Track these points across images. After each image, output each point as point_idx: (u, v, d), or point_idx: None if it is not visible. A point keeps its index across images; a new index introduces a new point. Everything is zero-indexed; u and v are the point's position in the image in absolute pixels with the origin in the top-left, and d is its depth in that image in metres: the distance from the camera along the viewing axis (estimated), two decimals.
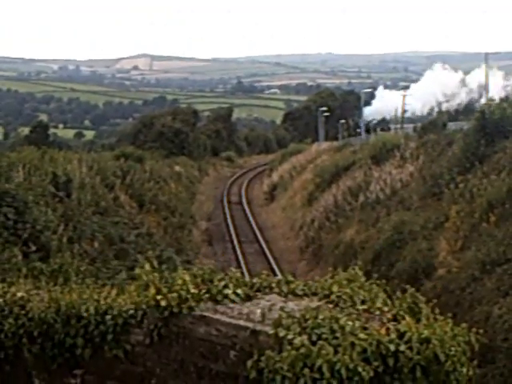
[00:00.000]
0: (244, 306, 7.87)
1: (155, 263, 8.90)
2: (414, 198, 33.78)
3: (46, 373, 8.84)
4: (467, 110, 75.99)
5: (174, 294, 8.02)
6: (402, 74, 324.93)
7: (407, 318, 7.31)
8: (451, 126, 51.12)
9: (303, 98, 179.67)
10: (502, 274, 21.59)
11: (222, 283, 8.22)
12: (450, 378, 7.03)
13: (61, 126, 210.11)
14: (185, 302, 7.97)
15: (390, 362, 6.90)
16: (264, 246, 41.71)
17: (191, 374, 7.92)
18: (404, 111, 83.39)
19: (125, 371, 8.40)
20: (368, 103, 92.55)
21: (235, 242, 42.54)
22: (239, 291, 8.09)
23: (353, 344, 6.89)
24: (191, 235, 41.34)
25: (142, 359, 8.29)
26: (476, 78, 74.72)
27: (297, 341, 6.98)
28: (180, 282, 8.19)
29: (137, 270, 8.76)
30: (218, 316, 7.80)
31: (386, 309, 7.55)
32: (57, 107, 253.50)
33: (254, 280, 8.40)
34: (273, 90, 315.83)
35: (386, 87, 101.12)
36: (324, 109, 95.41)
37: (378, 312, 7.50)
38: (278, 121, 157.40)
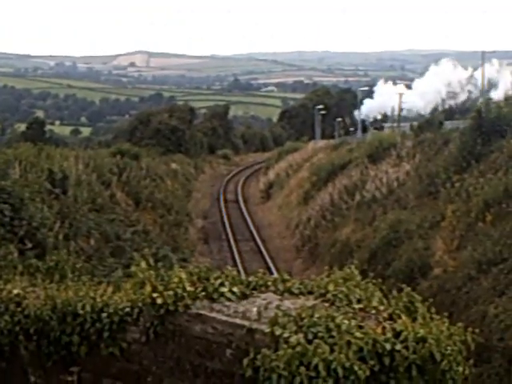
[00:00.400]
0: (240, 304, 7.86)
1: (151, 261, 8.90)
2: (411, 197, 33.82)
3: (41, 370, 8.83)
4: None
5: (170, 292, 8.02)
6: (399, 73, 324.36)
7: (403, 317, 7.32)
8: (448, 124, 51.15)
9: (300, 96, 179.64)
10: (497, 273, 21.62)
11: (218, 281, 8.22)
12: (445, 377, 7.04)
13: (57, 122, 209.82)
14: (181, 300, 7.96)
15: (386, 360, 6.91)
16: (260, 244, 41.70)
17: (187, 372, 7.92)
18: (401, 109, 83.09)
19: (121, 369, 8.39)
20: (364, 100, 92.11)
21: (231, 240, 42.53)
22: (235, 289, 8.09)
23: (349, 343, 6.89)
24: (187, 233, 41.32)
25: (137, 357, 8.28)
26: (485, 73, 74.26)
27: (293, 339, 6.98)
28: (176, 279, 8.18)
29: (133, 268, 8.75)
30: (214, 314, 7.80)
31: (381, 308, 7.56)
32: (53, 104, 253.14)
33: (250, 278, 8.40)
34: (269, 88, 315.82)
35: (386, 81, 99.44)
36: (321, 107, 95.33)
37: (373, 311, 7.50)
38: (275, 119, 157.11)
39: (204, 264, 8.85)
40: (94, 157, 38.00)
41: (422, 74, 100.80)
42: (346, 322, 7.12)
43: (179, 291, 8.02)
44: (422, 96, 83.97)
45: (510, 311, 19.21)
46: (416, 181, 35.33)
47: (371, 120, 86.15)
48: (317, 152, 66.57)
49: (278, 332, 7.15)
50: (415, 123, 54.14)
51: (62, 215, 23.46)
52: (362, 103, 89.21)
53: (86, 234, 24.08)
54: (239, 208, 57.12)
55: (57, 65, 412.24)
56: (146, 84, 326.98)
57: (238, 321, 7.59)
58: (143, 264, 8.63)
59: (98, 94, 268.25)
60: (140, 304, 8.24)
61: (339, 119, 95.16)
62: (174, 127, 79.44)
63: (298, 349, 6.88)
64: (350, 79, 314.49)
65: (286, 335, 7.07)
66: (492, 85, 75.45)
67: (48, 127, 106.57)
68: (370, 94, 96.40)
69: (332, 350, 6.84)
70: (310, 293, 8.00)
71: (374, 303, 7.61)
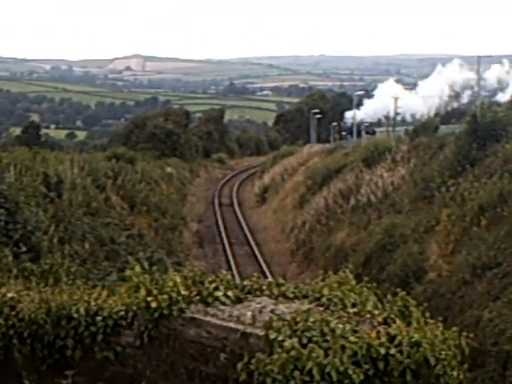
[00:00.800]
0: (234, 308, 7.86)
1: (146, 265, 8.90)
2: (405, 202, 33.83)
3: (36, 374, 8.82)
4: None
5: (165, 296, 8.02)
6: (395, 77, 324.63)
7: (398, 321, 7.32)
8: (443, 128, 51.20)
9: (295, 100, 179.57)
10: (492, 277, 21.63)
11: (213, 285, 8.21)
12: (440, 382, 7.03)
13: (53, 126, 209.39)
14: (175, 304, 7.96)
15: (381, 365, 6.91)
16: (255, 248, 41.70)
17: (181, 376, 7.91)
18: (396, 114, 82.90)
19: (115, 373, 8.38)
20: (364, 100, 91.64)
21: (226, 244, 42.52)
22: (230, 293, 8.09)
23: (343, 347, 6.89)
24: (182, 237, 41.30)
25: (132, 361, 8.28)
26: (494, 73, 73.83)
27: (287, 343, 6.98)
28: (170, 283, 8.18)
29: (127, 272, 8.75)
30: (208, 318, 7.79)
31: (376, 312, 7.56)
32: (49, 107, 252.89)
33: (245, 282, 8.40)
34: (265, 92, 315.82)
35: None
36: (316, 111, 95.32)
37: (368, 315, 7.50)
38: (270, 123, 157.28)
39: (199, 268, 8.85)
40: (89, 160, 37.95)
41: (425, 77, 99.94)
42: (341, 326, 7.12)
43: (174, 295, 8.01)
44: (425, 99, 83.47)
45: (504, 316, 19.21)
46: (411, 185, 35.34)
47: (367, 124, 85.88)
48: (312, 156, 66.57)
49: (272, 336, 7.15)
50: (410, 127, 54.16)
51: (57, 219, 23.45)
52: (358, 108, 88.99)
53: (81, 237, 24.06)
54: (234, 212, 57.12)
55: (52, 68, 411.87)
56: (141, 88, 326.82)
57: (232, 325, 7.58)
58: (138, 268, 8.63)
59: (93, 97, 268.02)
60: (134, 308, 8.23)
61: (334, 123, 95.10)
62: (170, 131, 79.39)
63: (293, 353, 6.88)
64: (346, 83, 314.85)
65: (280, 339, 7.07)
66: (503, 84, 75.02)
67: (43, 131, 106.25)
68: (363, 98, 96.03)
69: (326, 355, 6.84)
70: (305, 297, 8.00)
71: (369, 307, 7.61)
